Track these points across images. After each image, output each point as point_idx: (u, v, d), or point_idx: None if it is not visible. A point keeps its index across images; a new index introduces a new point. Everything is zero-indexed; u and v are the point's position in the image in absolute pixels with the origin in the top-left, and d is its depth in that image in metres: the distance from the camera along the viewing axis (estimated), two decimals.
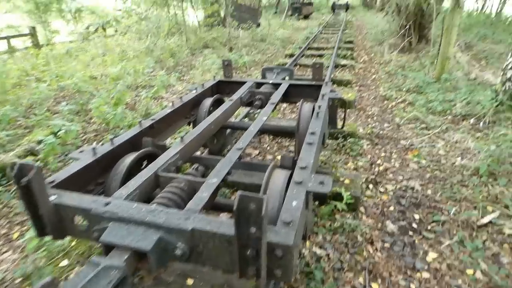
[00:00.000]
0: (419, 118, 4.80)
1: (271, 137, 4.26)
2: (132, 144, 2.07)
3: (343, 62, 8.22)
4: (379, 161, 3.70)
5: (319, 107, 2.31)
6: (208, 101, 2.89)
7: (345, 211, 2.73)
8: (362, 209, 2.86)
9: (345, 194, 2.70)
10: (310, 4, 23.77)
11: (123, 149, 1.96)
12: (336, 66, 7.99)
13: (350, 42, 11.63)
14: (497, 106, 4.41)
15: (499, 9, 20.65)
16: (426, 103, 5.27)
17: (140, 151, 1.95)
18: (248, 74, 7.94)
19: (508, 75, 4.58)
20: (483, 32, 12.02)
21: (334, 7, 27.96)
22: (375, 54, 9.82)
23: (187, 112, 2.83)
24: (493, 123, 4.43)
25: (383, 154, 3.87)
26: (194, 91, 2.96)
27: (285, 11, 18.87)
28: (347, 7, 27.84)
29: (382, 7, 23.01)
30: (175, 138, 3.85)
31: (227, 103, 2.72)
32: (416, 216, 2.76)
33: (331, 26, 17.52)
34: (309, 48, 10.68)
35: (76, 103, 5.05)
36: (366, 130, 4.49)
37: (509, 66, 4.60)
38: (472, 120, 4.52)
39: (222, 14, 16.97)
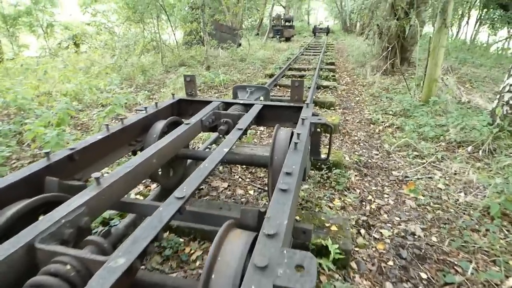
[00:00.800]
0: (410, 145, 4.29)
1: (243, 166, 3.63)
2: (30, 185, 1.42)
3: (325, 83, 7.81)
4: (370, 197, 3.11)
5: (298, 135, 1.77)
6: (160, 124, 2.29)
7: (332, 270, 2.08)
8: (353, 264, 2.22)
9: (332, 248, 2.08)
10: (292, 27, 23.93)
11: (13, 194, 1.34)
12: (318, 87, 7.55)
13: (332, 63, 11.37)
14: (497, 132, 3.96)
15: (473, 37, 21.35)
16: (416, 128, 4.80)
17: (32, 199, 1.30)
18: (225, 94, 7.38)
19: (506, 98, 4.18)
20: (462, 57, 12.06)
21: (315, 31, 28.46)
22: (358, 76, 9.52)
23: (132, 137, 2.22)
24: (493, 151, 3.97)
25: (374, 188, 3.29)
26: (144, 111, 2.38)
27: (267, 33, 18.75)
28: (327, 31, 28.42)
29: (362, 31, 23.43)
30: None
31: (182, 127, 2.14)
32: (423, 275, 2.14)
33: (313, 48, 17.47)
34: (290, 69, 10.30)
35: (15, 123, 4.28)
36: (353, 158, 3.93)
37: (506, 89, 4.20)
38: (469, 148, 4.05)
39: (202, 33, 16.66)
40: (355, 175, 3.54)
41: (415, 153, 4.12)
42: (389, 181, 3.45)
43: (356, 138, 4.72)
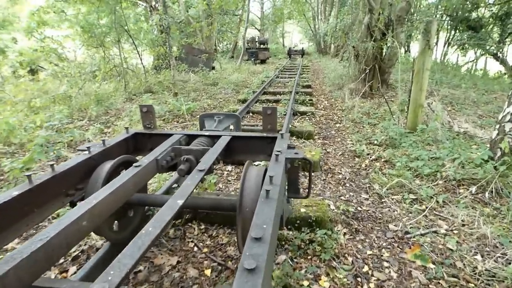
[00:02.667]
0: (404, 185, 3.64)
1: (202, 227, 2.83)
2: None
3: (302, 109, 7.20)
4: (366, 268, 2.37)
5: (271, 178, 1.47)
6: (106, 167, 1.92)
7: None
8: None
9: None
10: (266, 49, 23.78)
11: None
12: (294, 114, 6.93)
13: (308, 86, 10.90)
14: (505, 170, 3.37)
15: (442, 58, 21.85)
16: (407, 161, 4.18)
17: None
18: (192, 124, 6.62)
19: (507, 129, 3.63)
20: (438, 78, 11.94)
21: (290, 53, 28.50)
22: (336, 100, 9.03)
23: (71, 185, 1.81)
24: (500, 191, 3.37)
25: (369, 252, 2.56)
26: (86, 151, 1.98)
27: (241, 56, 18.35)
28: (302, 52, 28.51)
29: (337, 53, 23.57)
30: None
31: (130, 171, 1.75)
32: None
33: (288, 70, 17.15)
34: (264, 93, 9.72)
35: None
36: (339, 206, 3.21)
37: (507, 118, 3.67)
38: (473, 189, 3.43)
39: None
40: (344, 233, 2.81)
41: (412, 196, 3.46)
42: (386, 239, 2.74)
43: (340, 176, 4.03)
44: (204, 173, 1.71)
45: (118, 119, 6.93)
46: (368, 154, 4.73)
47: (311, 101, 8.18)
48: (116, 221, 2.14)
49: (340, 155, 4.82)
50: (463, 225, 2.91)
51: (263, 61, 22.40)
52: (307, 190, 2.06)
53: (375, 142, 5.18)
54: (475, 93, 10.17)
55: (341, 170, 4.23)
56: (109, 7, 8.87)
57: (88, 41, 9.48)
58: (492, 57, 17.66)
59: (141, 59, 12.34)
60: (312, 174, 3.86)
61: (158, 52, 11.61)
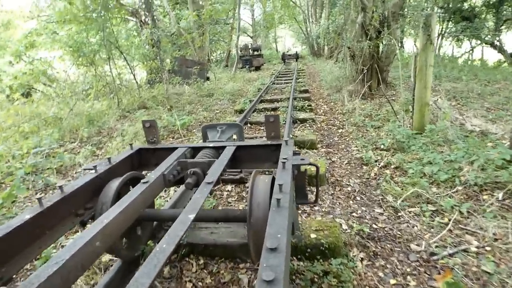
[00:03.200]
0: (420, 195, 3.32)
1: (200, 262, 2.50)
2: None
3: (302, 115, 6.90)
4: None
5: (280, 186, 1.45)
6: (114, 184, 1.92)
7: None
8: None
9: None
10: (260, 55, 23.60)
11: None
12: (294, 121, 6.63)
13: (306, 91, 10.62)
14: None
15: (437, 50, 21.64)
16: (420, 167, 3.86)
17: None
18: (189, 138, 6.32)
19: None
20: (437, 71, 11.66)
21: (284, 58, 28.32)
22: (335, 103, 8.73)
23: (80, 205, 1.82)
24: None
25: (393, 282, 2.23)
26: (93, 171, 1.99)
27: (235, 64, 18.12)
28: (296, 56, 28.36)
29: (331, 54, 23.38)
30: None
31: (138, 188, 1.73)
32: None
33: (284, 75, 16.90)
34: (261, 101, 9.43)
35: None
36: (353, 225, 2.89)
37: None
38: (500, 195, 3.10)
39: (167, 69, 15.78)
40: (361, 258, 2.48)
41: (430, 207, 3.13)
42: (410, 264, 2.41)
43: (349, 189, 3.71)
44: (212, 185, 1.71)
45: (110, 139, 6.63)
46: (376, 161, 4.41)
47: (310, 107, 7.88)
48: (126, 239, 2.13)
49: (346, 164, 4.50)
50: (496, 239, 2.58)
51: (257, 68, 22.19)
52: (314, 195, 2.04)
53: (382, 146, 4.86)
54: (477, 85, 9.89)
55: (349, 181, 3.90)
56: (98, 24, 8.63)
57: (78, 60, 9.20)
58: (489, 46, 17.41)
59: (133, 75, 12.09)
60: (319, 188, 3.55)
61: (151, 66, 11.35)
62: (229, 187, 3.84)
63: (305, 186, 2.05)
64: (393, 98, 8.37)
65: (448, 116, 4.86)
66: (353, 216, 3.11)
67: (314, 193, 3.17)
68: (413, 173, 3.71)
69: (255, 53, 23.86)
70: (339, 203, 3.38)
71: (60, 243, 2.86)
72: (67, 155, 5.29)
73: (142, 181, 1.79)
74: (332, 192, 3.63)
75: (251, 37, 44.80)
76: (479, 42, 18.47)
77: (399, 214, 3.10)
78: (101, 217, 1.43)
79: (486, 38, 16.85)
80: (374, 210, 3.21)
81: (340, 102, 8.59)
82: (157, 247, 1.17)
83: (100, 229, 1.33)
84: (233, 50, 18.67)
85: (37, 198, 1.56)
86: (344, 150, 5.09)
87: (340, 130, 6.19)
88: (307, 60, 30.25)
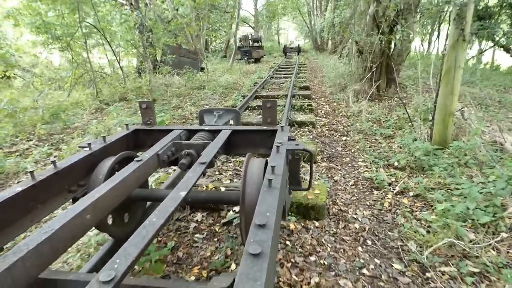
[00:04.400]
0: (454, 245, 2.43)
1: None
2: None
3: (300, 117, 5.96)
4: None
5: (273, 168, 1.49)
6: (107, 163, 1.89)
7: None
8: None
9: None
10: (260, 47, 22.51)
11: None
12: (291, 124, 5.71)
13: (306, 88, 9.68)
14: None
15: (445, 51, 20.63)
16: (448, 203, 2.97)
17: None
18: None
19: None
20: None
21: (285, 50, 27.22)
22: (339, 103, 7.80)
23: (73, 181, 1.80)
24: None
25: None
26: (87, 148, 1.96)
27: (232, 55, 17.03)
28: (298, 50, 27.28)
29: (335, 49, 22.35)
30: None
31: (131, 165, 1.74)
32: None
33: (283, 69, 15.91)
34: (256, 97, 8.48)
35: None
36: None
37: None
38: None
39: (158, 58, 14.75)
40: None
41: (471, 265, 2.24)
42: None
43: (356, 225, 2.82)
44: (205, 166, 1.72)
45: (78, 135, 5.69)
46: (389, 184, 3.52)
47: (310, 107, 6.96)
48: (117, 217, 2.11)
49: (352, 185, 3.61)
50: None
51: (257, 60, 21.12)
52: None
53: (396, 164, 3.97)
54: (492, 91, 8.99)
55: (356, 213, 3.01)
56: (72, 2, 7.58)
57: (48, 43, 8.15)
58: (502, 49, 16.41)
59: (119, 62, 11.08)
60: (316, 224, 2.70)
61: (137, 54, 10.34)
62: (199, 215, 2.94)
63: (299, 172, 2.05)
64: (404, 101, 7.46)
65: (479, 131, 3.96)
66: (363, 274, 2.22)
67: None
68: (442, 210, 2.81)
69: (255, 44, 22.76)
70: (344, 250, 2.48)
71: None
72: (14, 159, 4.37)
73: (135, 159, 1.80)
74: (335, 230, 2.74)
75: (253, 28, 43.51)
76: (491, 44, 17.43)
77: (427, 275, 2.21)
78: (92, 191, 1.44)
79: (500, 41, 15.82)
80: (392, 265, 2.32)
81: (344, 102, 7.66)
82: (147, 220, 1.17)
83: (91, 203, 1.34)
84: (232, 40, 17.57)
85: (29, 171, 1.56)
86: (349, 165, 4.19)
87: (344, 138, 5.27)
88: (310, 54, 29.12)
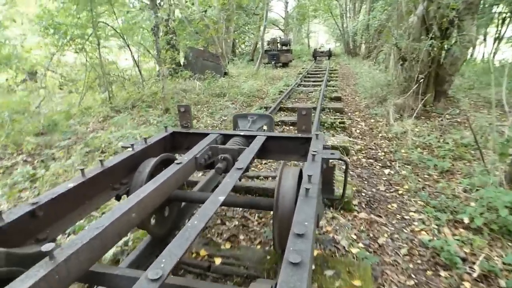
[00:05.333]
0: None
1: None
2: None
3: (331, 140, 4.84)
4: None
5: (310, 177, 1.49)
6: (150, 163, 2.02)
7: None
8: None
9: None
10: (289, 51, 21.42)
11: None
12: None
13: (338, 99, 8.56)
14: None
15: (493, 56, 18.65)
16: None
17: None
18: None
19: None
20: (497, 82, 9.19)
21: (315, 55, 25.93)
22: (377, 120, 6.63)
23: (116, 180, 1.93)
24: None
25: None
26: (130, 148, 2.10)
27: (259, 59, 16.08)
28: (329, 54, 25.88)
29: (368, 54, 20.89)
30: None
31: (172, 168, 1.83)
32: None
33: (312, 75, 14.77)
34: (280, 109, 7.49)
35: None
36: None
37: None
38: None
39: (182, 61, 14.12)
40: None
41: None
42: None
43: None
44: (242, 171, 1.77)
45: (71, 150, 4.96)
46: (463, 260, 2.40)
47: (342, 124, 5.86)
48: (156, 216, 2.19)
49: (405, 255, 2.52)
50: None
51: (285, 65, 20.05)
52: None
53: (467, 222, 2.84)
54: None
55: None
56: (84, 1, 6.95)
57: (59, 44, 7.58)
58: None
59: (137, 65, 10.49)
60: None
61: (156, 58, 9.66)
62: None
63: (333, 181, 2.05)
64: (458, 120, 6.19)
65: None
66: None
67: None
68: None
69: (284, 48, 21.69)
70: None
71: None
72: None
73: (175, 162, 1.90)
74: None
75: (282, 31, 42.48)
76: None
77: None
78: (137, 191, 1.51)
79: None
80: None
81: (384, 119, 6.49)
82: (189, 223, 1.24)
83: (136, 202, 1.42)
84: (260, 43, 16.66)
85: (80, 169, 1.68)
86: (398, 217, 3.10)
87: (387, 171, 4.16)
88: (341, 59, 27.65)
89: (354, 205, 3.23)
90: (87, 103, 8.22)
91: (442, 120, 6.11)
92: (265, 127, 2.84)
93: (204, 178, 3.12)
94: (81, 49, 7.90)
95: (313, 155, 1.80)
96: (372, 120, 6.66)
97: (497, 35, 18.29)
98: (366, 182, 3.83)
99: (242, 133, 2.48)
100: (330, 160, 1.92)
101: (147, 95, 9.08)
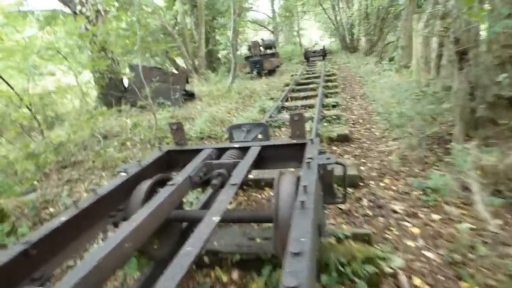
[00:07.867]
0: None
1: None
2: None
3: None
4: None
5: (305, 188, 1.46)
6: (143, 187, 1.98)
7: None
8: None
9: None
10: (275, 55, 17.74)
11: None
12: None
13: (345, 139, 4.91)
14: None
15: None
16: None
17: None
18: None
19: None
20: None
21: (307, 55, 21.97)
22: (432, 206, 2.98)
23: (112, 207, 1.88)
24: None
25: None
26: (123, 173, 2.04)
27: (232, 70, 12.29)
28: (324, 53, 21.89)
29: (371, 49, 17.22)
30: None
31: (165, 190, 1.78)
32: None
33: (303, 87, 10.68)
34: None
35: None
36: None
37: None
38: None
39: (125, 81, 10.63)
40: None
41: None
42: None
43: None
44: (236, 187, 1.73)
45: None
46: None
47: (366, 237, 2.24)
48: (156, 239, 2.12)
49: None
50: None
51: (270, 72, 16.37)
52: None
53: None
54: None
55: None
56: None
57: None
58: None
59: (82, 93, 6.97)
60: None
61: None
62: None
63: (333, 185, 2.00)
64: None
65: None
66: None
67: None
68: None
69: (268, 51, 18.03)
70: None
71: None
72: None
73: (169, 183, 1.85)
74: None
75: (272, 32, 38.90)
76: None
77: None
78: (130, 220, 1.45)
79: None
80: None
81: (454, 206, 2.83)
82: (182, 249, 1.19)
83: (130, 231, 1.36)
84: (232, 49, 12.98)
85: (73, 201, 1.62)
86: None
87: None
88: (338, 57, 23.66)
89: None
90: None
91: None
92: (260, 136, 2.79)
93: (205, 195, 3.04)
94: None
95: (308, 162, 1.77)
96: (425, 209, 2.97)
97: None
98: None
99: (237, 145, 2.46)
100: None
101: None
